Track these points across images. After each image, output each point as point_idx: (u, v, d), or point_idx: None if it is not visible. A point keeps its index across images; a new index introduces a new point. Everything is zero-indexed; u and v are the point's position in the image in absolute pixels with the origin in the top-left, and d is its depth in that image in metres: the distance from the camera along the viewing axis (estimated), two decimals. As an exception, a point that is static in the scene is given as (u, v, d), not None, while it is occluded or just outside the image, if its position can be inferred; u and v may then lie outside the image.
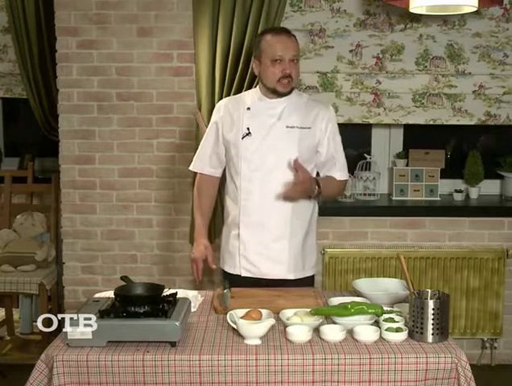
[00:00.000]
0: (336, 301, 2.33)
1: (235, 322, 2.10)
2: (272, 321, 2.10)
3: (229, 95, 3.36)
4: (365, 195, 3.89)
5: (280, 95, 2.68)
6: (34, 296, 4.17)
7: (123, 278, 2.30)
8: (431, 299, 2.12)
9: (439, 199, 3.88)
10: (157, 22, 3.59)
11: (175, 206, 3.73)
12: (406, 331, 2.07)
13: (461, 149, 4.18)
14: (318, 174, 2.81)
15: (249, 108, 2.72)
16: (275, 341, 2.06)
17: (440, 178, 3.89)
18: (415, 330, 2.07)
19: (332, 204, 3.67)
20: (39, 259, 3.96)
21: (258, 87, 2.77)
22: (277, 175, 2.66)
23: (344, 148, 2.82)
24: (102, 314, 2.05)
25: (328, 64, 3.66)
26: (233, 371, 1.96)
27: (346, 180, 2.87)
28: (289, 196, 2.64)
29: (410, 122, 3.76)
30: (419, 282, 3.67)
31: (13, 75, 4.34)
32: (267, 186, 2.67)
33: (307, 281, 2.79)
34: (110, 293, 2.30)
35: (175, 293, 2.22)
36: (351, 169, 3.32)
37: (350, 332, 2.09)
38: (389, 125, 3.92)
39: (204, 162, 2.84)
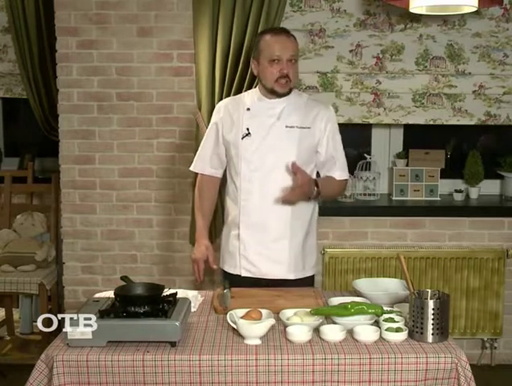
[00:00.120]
0: (336, 301, 2.33)
1: (235, 322, 2.10)
2: (272, 321, 2.10)
3: (229, 95, 3.36)
4: (365, 195, 3.89)
5: (279, 95, 2.68)
6: (34, 296, 4.17)
7: (123, 278, 2.30)
8: (431, 299, 2.12)
9: (439, 199, 3.88)
10: (157, 22, 3.59)
11: (175, 206, 3.73)
12: (406, 331, 2.07)
13: (461, 149, 4.17)
14: (318, 174, 2.81)
15: (248, 109, 2.72)
16: (275, 341, 2.06)
17: (440, 178, 3.89)
18: (415, 330, 2.07)
19: (332, 204, 3.67)
20: (39, 259, 3.96)
21: (257, 87, 2.77)
22: (277, 175, 2.66)
23: (344, 148, 2.82)
24: (102, 314, 2.05)
25: (328, 64, 3.66)
26: (233, 371, 1.96)
27: (346, 180, 2.86)
28: (288, 200, 2.64)
29: (410, 122, 3.76)
30: (419, 282, 3.66)
31: (13, 75, 4.34)
32: (267, 187, 2.67)
33: (307, 281, 2.79)
34: (110, 293, 2.30)
35: (175, 293, 2.22)
36: (351, 169, 3.32)
37: (350, 332, 2.09)
38: (389, 125, 3.92)
39: (204, 163, 2.84)
